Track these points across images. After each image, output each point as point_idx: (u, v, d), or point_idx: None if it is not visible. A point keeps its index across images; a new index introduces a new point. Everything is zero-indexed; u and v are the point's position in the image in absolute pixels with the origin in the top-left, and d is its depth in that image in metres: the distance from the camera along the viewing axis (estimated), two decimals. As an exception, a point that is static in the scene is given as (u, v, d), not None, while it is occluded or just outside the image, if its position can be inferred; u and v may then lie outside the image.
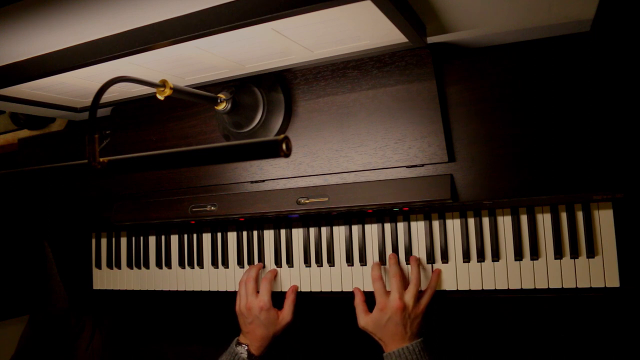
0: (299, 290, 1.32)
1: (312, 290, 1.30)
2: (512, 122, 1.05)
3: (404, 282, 1.16)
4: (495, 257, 1.15)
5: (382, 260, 1.24)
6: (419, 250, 1.22)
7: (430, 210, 1.21)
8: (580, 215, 1.11)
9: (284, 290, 1.33)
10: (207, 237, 1.46)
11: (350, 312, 1.22)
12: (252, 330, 1.25)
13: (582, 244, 1.10)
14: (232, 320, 1.32)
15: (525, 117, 1.04)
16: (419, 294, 1.14)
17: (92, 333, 1.62)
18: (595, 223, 1.09)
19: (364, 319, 1.17)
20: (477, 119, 1.08)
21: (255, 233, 1.40)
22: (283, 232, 1.36)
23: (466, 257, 1.18)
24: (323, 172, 1.18)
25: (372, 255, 1.26)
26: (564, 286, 1.10)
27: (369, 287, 1.24)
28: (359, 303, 1.20)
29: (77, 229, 1.62)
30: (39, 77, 1.02)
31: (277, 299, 1.29)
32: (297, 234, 1.34)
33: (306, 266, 1.32)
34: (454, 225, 1.20)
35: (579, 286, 1.09)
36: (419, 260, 1.19)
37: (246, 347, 1.24)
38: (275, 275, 1.33)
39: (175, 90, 0.95)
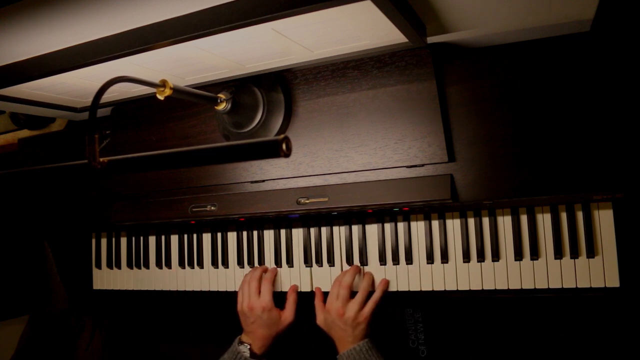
0: (299, 290, 1.32)
1: (313, 290, 1.30)
2: (512, 122, 1.05)
3: (363, 295, 1.20)
4: (495, 257, 1.15)
5: (382, 260, 1.24)
6: (419, 250, 1.22)
7: (430, 210, 1.21)
8: (580, 215, 1.11)
9: (284, 290, 1.33)
10: (207, 237, 1.46)
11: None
12: (254, 330, 1.25)
13: (582, 244, 1.10)
14: (232, 320, 1.32)
15: (525, 117, 1.04)
16: (365, 303, 1.19)
17: (92, 333, 1.61)
18: (595, 223, 1.09)
19: (319, 318, 1.24)
20: (477, 119, 1.08)
21: (255, 233, 1.40)
22: (283, 232, 1.36)
23: (466, 257, 1.18)
24: (323, 172, 1.18)
25: (372, 255, 1.26)
26: (564, 286, 1.10)
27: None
28: (317, 302, 1.26)
29: (77, 229, 1.62)
30: (39, 77, 1.02)
31: (278, 299, 1.29)
32: (297, 234, 1.34)
33: (306, 266, 1.32)
34: (454, 225, 1.20)
35: (579, 286, 1.09)
36: (370, 274, 1.24)
37: (248, 347, 1.24)
38: (275, 275, 1.34)
39: (175, 90, 0.95)
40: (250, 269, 1.38)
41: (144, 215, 1.37)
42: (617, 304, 1.21)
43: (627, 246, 1.06)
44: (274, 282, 1.32)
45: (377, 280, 1.23)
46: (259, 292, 1.28)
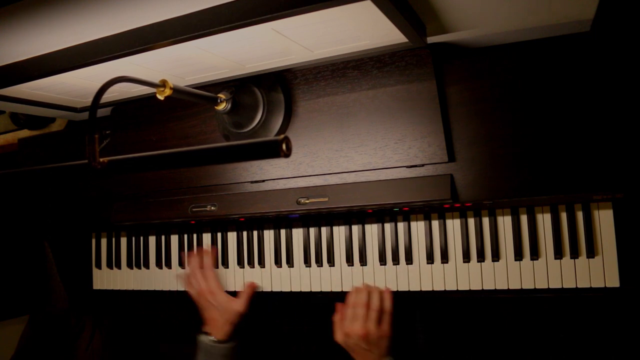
0: (299, 290, 1.32)
1: (312, 290, 1.30)
2: (512, 122, 1.05)
3: (368, 310, 1.18)
4: (495, 257, 1.15)
5: (382, 260, 1.25)
6: (419, 250, 1.22)
7: (430, 210, 1.21)
8: (580, 215, 1.11)
9: (284, 290, 1.33)
10: (207, 237, 1.46)
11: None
12: (210, 316, 1.33)
13: (582, 244, 1.10)
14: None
15: (525, 117, 1.04)
16: (381, 317, 1.18)
17: (92, 333, 1.61)
18: (595, 223, 1.09)
19: (339, 337, 1.21)
20: (477, 119, 1.08)
21: (255, 233, 1.40)
22: (283, 232, 1.36)
23: (466, 257, 1.18)
24: (323, 172, 1.18)
25: (372, 255, 1.26)
26: (564, 286, 1.10)
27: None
28: (337, 318, 1.23)
29: (77, 229, 1.62)
30: (39, 77, 1.02)
31: (279, 299, 1.30)
32: (297, 234, 1.34)
33: (306, 266, 1.32)
34: (453, 225, 1.20)
35: (579, 286, 1.09)
36: (376, 288, 1.22)
37: (209, 335, 1.32)
38: (213, 257, 1.40)
39: (175, 90, 0.95)
40: (250, 269, 1.38)
41: (144, 215, 1.37)
42: (617, 304, 1.21)
43: (627, 246, 1.06)
44: (212, 265, 1.39)
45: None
46: (205, 278, 1.36)
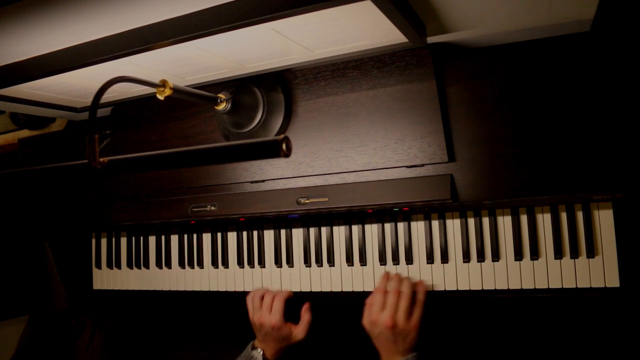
0: (299, 290, 1.32)
1: (312, 290, 1.30)
2: (512, 122, 1.05)
3: (399, 299, 1.14)
4: (495, 257, 1.15)
5: (382, 260, 1.25)
6: (419, 250, 1.22)
7: (430, 210, 1.21)
8: (580, 215, 1.11)
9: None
10: (207, 237, 1.46)
11: (351, 312, 1.21)
12: (266, 341, 1.27)
13: (582, 244, 1.10)
14: (232, 320, 1.32)
15: (525, 117, 1.04)
16: (411, 309, 1.13)
17: (92, 333, 1.61)
18: (595, 223, 1.09)
19: (366, 323, 1.16)
20: (477, 119, 1.08)
21: (255, 233, 1.40)
22: (283, 232, 1.36)
23: (466, 257, 1.18)
24: (323, 172, 1.18)
25: (372, 255, 1.26)
26: (564, 286, 1.10)
27: (369, 287, 1.25)
28: (368, 304, 1.17)
29: (77, 229, 1.62)
30: (39, 77, 1.02)
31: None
32: (297, 234, 1.34)
33: (306, 266, 1.32)
34: (454, 225, 1.20)
35: (579, 286, 1.09)
36: (409, 278, 1.18)
37: (261, 352, 1.26)
38: (289, 297, 1.30)
39: (175, 90, 0.95)
40: (250, 269, 1.38)
41: (144, 215, 1.37)
42: (617, 304, 1.21)
43: (627, 246, 1.06)
44: (285, 301, 1.28)
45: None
46: (271, 309, 1.26)
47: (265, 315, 1.26)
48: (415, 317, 1.12)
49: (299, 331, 1.26)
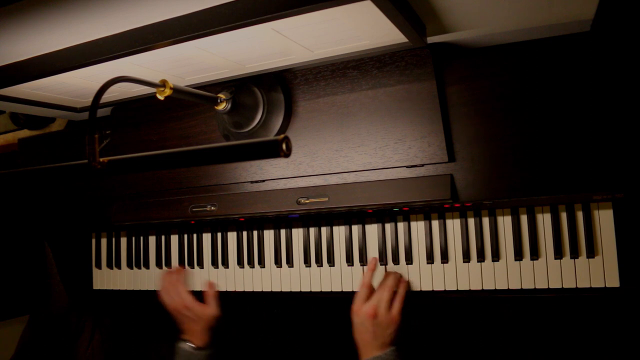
0: (299, 290, 1.32)
1: (312, 290, 1.30)
2: (513, 122, 1.05)
3: (381, 291, 1.16)
4: (495, 257, 1.15)
5: (382, 260, 1.25)
6: (419, 250, 1.22)
7: (430, 210, 1.21)
8: (580, 215, 1.11)
9: (284, 290, 1.33)
10: (207, 237, 1.46)
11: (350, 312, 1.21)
12: (187, 327, 1.36)
13: (582, 244, 1.10)
14: (232, 320, 1.32)
15: (526, 117, 1.04)
16: (392, 302, 1.16)
17: (92, 333, 1.61)
18: (595, 223, 1.09)
19: (351, 314, 1.18)
20: (477, 119, 1.08)
21: (255, 233, 1.40)
22: (283, 232, 1.36)
23: (466, 257, 1.18)
24: (323, 172, 1.18)
25: (372, 255, 1.26)
26: (564, 286, 1.10)
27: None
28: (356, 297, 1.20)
29: (77, 229, 1.62)
30: (39, 77, 1.02)
31: (281, 301, 1.30)
32: (297, 234, 1.34)
33: (306, 266, 1.32)
34: (454, 225, 1.20)
35: (579, 286, 1.09)
36: (393, 273, 1.21)
37: (188, 342, 1.34)
38: (184, 275, 1.43)
39: (175, 90, 0.95)
40: (250, 269, 1.38)
41: (144, 215, 1.37)
42: (617, 304, 1.21)
43: (627, 246, 1.06)
44: (184, 281, 1.41)
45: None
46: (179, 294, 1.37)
47: (177, 299, 1.37)
48: (396, 309, 1.15)
49: (210, 307, 1.35)
